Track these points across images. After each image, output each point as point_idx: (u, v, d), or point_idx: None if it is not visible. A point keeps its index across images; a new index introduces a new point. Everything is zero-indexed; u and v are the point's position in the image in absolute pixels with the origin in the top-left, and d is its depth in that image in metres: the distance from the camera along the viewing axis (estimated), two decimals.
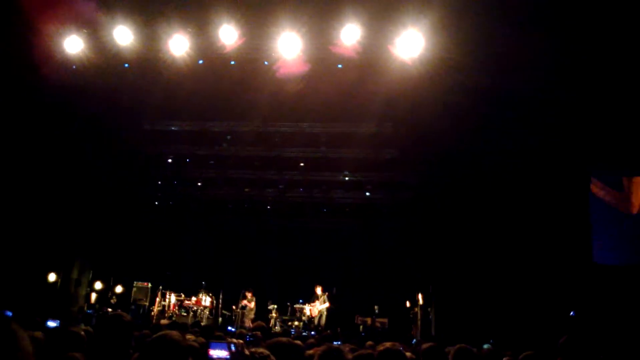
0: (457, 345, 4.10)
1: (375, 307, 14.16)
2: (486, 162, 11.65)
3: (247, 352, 2.69)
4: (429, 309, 13.13)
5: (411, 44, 9.21)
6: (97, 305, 14.34)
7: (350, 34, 9.18)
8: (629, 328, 9.47)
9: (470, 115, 10.49)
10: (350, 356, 3.25)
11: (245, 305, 14.26)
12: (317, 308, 14.12)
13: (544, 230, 11.30)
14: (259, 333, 5.61)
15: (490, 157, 11.52)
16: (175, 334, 2.68)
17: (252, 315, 14.31)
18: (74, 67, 9.90)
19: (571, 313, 11.28)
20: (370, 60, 9.83)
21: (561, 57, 9.12)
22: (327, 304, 13.99)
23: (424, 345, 4.33)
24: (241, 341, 2.84)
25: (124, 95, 11.22)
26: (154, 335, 2.76)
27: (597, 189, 10.86)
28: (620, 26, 8.34)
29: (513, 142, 10.96)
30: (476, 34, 8.97)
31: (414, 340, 10.50)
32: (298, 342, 4.15)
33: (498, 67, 9.52)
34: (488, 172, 11.74)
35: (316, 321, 13.95)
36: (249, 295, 14.35)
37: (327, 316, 14.00)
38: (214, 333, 6.00)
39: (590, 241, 11.19)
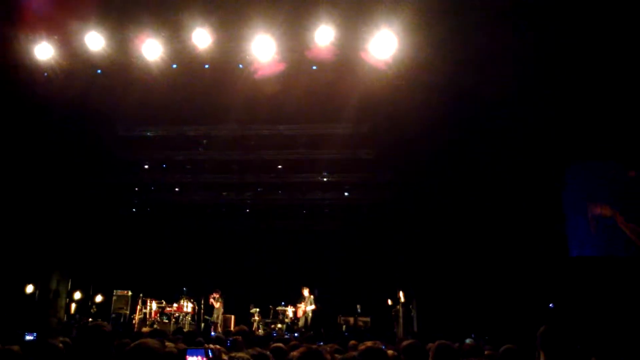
0: (437, 342, 4.10)
1: (358, 306, 14.25)
2: (463, 160, 11.80)
3: (225, 357, 2.69)
4: (411, 306, 13.26)
5: (385, 45, 9.26)
6: (77, 316, 14.15)
7: (324, 36, 9.18)
8: (605, 318, 9.73)
9: (445, 115, 10.62)
10: (329, 357, 3.27)
11: (212, 305, 14.33)
12: (302, 309, 14.12)
13: (521, 226, 11.51)
14: (239, 337, 5.59)
15: (467, 155, 11.68)
16: (152, 341, 2.67)
17: (220, 315, 14.35)
18: (46, 74, 9.71)
19: (550, 305, 11.52)
20: (345, 61, 9.86)
21: (537, 54, 9.28)
22: (313, 306, 14.01)
23: (404, 343, 4.33)
24: (219, 347, 2.84)
25: (97, 102, 11.04)
26: (132, 344, 2.75)
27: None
28: (596, 23, 8.51)
29: (489, 140, 11.14)
30: (449, 33, 9.06)
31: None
32: (280, 344, 4.17)
33: (472, 67, 9.64)
34: (465, 170, 11.89)
35: (301, 322, 13.96)
36: (216, 295, 14.36)
37: (312, 318, 14.02)
38: (196, 339, 5.96)
39: (566, 235, 11.48)
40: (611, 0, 8.39)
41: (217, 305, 14.46)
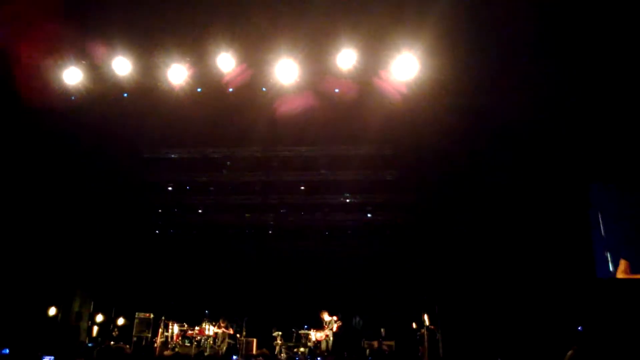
0: None
1: (382, 330, 14.02)
2: (486, 180, 11.68)
3: None
4: (436, 330, 12.98)
5: (406, 67, 9.33)
6: (99, 339, 14.18)
7: (346, 59, 9.30)
8: (635, 341, 9.41)
9: (468, 136, 10.56)
10: None
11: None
12: (324, 333, 13.94)
13: (548, 247, 11.28)
14: (261, 359, 5.53)
15: (490, 176, 11.55)
16: None
17: (225, 340, 14.27)
18: (73, 98, 9.98)
19: (578, 328, 11.21)
20: (367, 83, 9.92)
21: (555, 76, 9.23)
22: (334, 329, 13.81)
23: None
24: None
25: (123, 125, 11.28)
26: None
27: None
28: (612, 45, 8.45)
29: (511, 160, 11.02)
30: (469, 56, 9.10)
31: None
32: None
33: (493, 88, 9.62)
34: (488, 190, 11.75)
35: (323, 346, 13.76)
36: (222, 324, 14.26)
37: (333, 341, 13.82)
38: None
39: (593, 256, 11.20)
40: (633, 24, 8.33)
41: (230, 330, 14.41)
